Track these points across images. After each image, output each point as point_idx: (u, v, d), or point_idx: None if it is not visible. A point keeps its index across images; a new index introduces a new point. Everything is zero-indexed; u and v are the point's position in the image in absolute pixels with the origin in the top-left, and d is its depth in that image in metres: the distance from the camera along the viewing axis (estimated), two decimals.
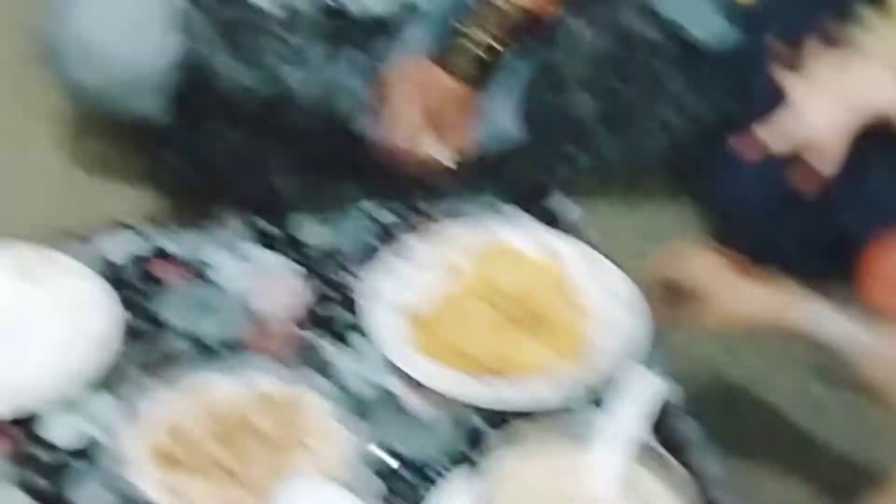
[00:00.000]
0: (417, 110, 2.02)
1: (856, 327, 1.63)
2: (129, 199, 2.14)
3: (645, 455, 1.60)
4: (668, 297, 1.78)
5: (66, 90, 2.13)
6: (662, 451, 1.63)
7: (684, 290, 1.76)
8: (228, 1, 2.06)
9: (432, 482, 1.69)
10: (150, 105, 2.04)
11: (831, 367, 1.68)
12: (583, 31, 2.08)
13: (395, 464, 1.73)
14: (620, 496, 1.58)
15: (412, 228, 1.99)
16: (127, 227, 1.99)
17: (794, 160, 2.01)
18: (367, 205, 2.04)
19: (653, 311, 1.80)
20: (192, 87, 2.03)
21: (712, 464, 1.75)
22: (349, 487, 1.59)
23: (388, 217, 2.02)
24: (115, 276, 1.90)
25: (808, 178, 1.98)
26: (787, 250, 1.94)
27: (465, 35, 2.04)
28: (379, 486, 1.67)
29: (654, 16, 2.04)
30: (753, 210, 1.98)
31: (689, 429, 1.80)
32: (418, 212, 2.03)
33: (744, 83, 2.02)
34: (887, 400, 1.62)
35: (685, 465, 1.63)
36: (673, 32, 2.03)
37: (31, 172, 2.16)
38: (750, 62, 2.02)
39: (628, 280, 1.91)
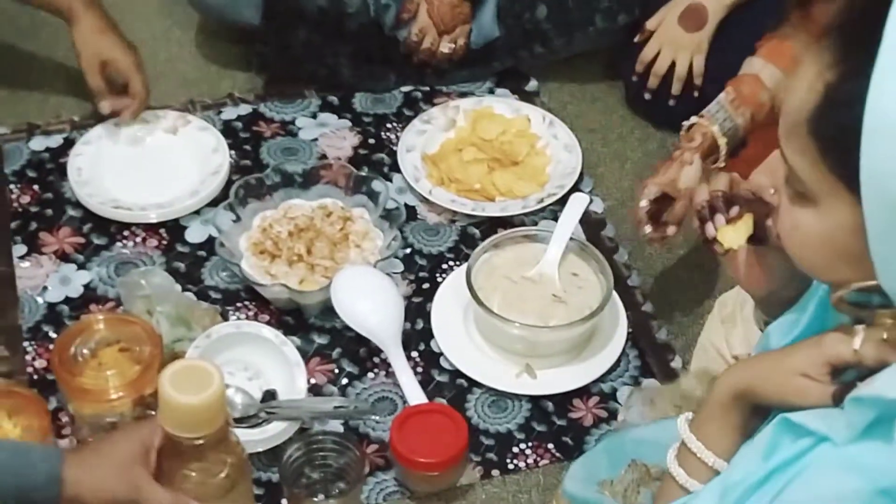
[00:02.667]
0: (434, 21, 2.02)
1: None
2: (238, 79, 2.11)
3: (579, 246, 1.71)
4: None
5: (196, 6, 2.10)
6: (590, 245, 1.72)
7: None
8: None
9: (440, 268, 1.80)
10: (247, 14, 2.01)
11: None
12: None
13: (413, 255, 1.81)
14: (557, 272, 1.67)
15: (429, 100, 2.06)
16: (238, 98, 2.06)
17: None
18: (401, 85, 2.09)
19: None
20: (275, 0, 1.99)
21: (622, 252, 1.84)
22: (383, 271, 1.71)
23: (414, 94, 2.08)
24: (230, 131, 1.99)
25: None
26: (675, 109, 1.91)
27: None
28: (402, 270, 1.79)
29: None
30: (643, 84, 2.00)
31: (609, 230, 1.88)
32: (433, 89, 2.09)
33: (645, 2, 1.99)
34: None
35: (605, 252, 1.73)
36: None
37: (176, 62, 2.13)
38: None
39: (569, 130, 1.97)
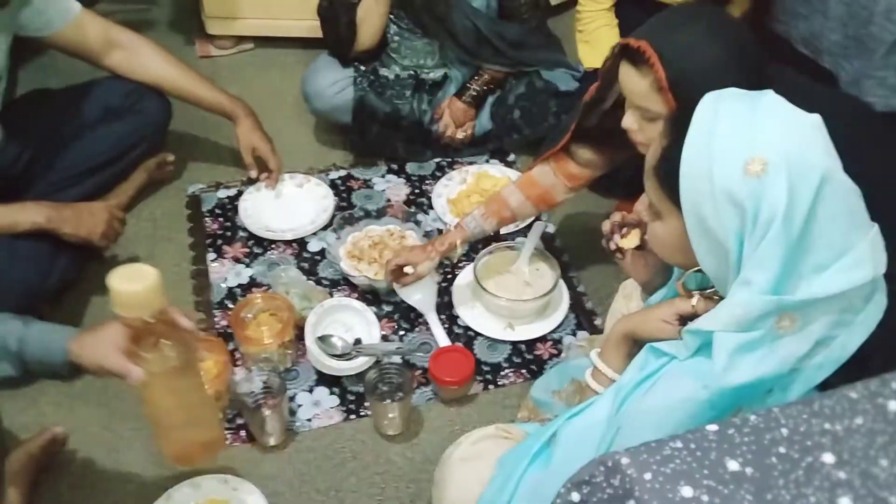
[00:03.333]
0: (453, 120, 1.98)
1: None
2: (339, 155, 2.04)
3: (539, 252, 1.69)
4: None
5: (312, 111, 2.02)
6: (546, 251, 1.70)
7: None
8: (372, 73, 1.95)
9: (458, 266, 1.76)
10: (344, 117, 1.95)
11: None
12: (516, 84, 1.97)
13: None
14: (526, 268, 1.66)
15: (451, 167, 2.02)
16: (339, 166, 2.02)
17: None
18: (434, 158, 2.04)
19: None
20: (359, 108, 1.93)
21: (566, 256, 1.80)
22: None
23: (442, 163, 2.03)
24: (334, 185, 1.95)
25: None
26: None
27: (469, 87, 1.96)
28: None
29: (545, 80, 1.96)
30: None
31: (557, 243, 1.84)
32: (453, 160, 2.03)
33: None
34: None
35: (556, 256, 1.70)
36: (553, 85, 1.96)
37: (303, 145, 2.05)
38: (580, 95, 1.90)
39: None
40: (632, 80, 1.18)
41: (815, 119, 0.85)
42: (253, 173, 1.89)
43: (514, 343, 1.62)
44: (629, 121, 1.23)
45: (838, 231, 0.83)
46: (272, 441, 1.44)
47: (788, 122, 0.85)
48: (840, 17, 1.84)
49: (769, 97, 0.87)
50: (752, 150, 0.82)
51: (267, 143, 1.87)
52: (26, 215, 1.49)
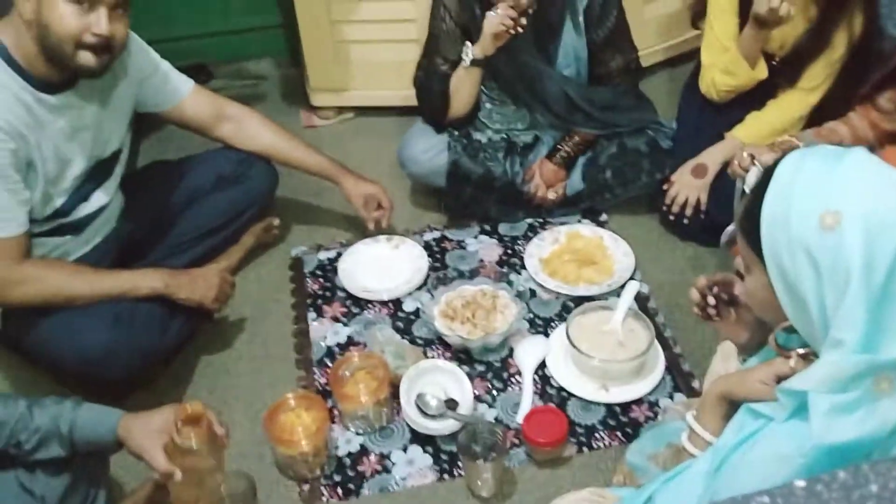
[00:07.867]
0: (544, 180, 2.03)
1: None
2: (433, 217, 2.11)
3: (633, 312, 1.70)
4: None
5: (408, 175, 2.11)
6: (640, 311, 1.71)
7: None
8: (466, 137, 2.03)
9: (550, 326, 1.79)
10: (438, 180, 2.03)
11: None
12: (607, 145, 2.01)
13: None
14: (620, 328, 1.67)
15: (542, 227, 2.06)
16: (433, 227, 2.09)
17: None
18: (526, 218, 2.09)
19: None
20: (453, 171, 2.01)
21: (660, 316, 1.81)
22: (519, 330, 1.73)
23: (534, 223, 2.07)
24: (428, 247, 2.01)
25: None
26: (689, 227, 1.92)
27: (560, 149, 2.02)
28: (528, 328, 1.79)
29: (636, 139, 1.99)
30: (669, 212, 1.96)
31: (651, 303, 1.84)
32: (545, 220, 2.07)
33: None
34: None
35: (650, 317, 1.71)
36: (645, 144, 1.99)
37: (398, 209, 2.09)
38: (672, 153, 1.99)
39: (626, 243, 1.95)
40: None
41: None
42: (371, 225, 1.98)
43: (608, 405, 1.62)
44: None
45: None
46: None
47: (870, 178, 0.84)
48: None
49: (856, 153, 0.87)
50: (829, 204, 0.83)
51: (376, 185, 1.96)
52: (146, 281, 1.60)
